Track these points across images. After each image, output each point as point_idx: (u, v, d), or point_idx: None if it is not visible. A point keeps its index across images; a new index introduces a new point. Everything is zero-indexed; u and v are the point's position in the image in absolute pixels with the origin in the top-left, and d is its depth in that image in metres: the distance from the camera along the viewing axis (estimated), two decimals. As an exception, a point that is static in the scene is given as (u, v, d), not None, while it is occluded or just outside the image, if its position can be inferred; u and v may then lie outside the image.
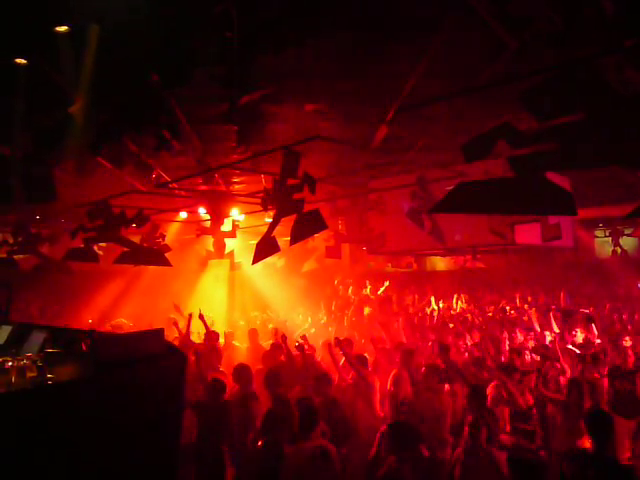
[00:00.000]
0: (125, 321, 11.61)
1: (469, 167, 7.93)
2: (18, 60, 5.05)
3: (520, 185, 4.18)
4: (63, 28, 4.71)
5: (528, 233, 9.59)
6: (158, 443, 3.48)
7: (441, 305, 13.12)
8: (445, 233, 9.82)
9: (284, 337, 8.19)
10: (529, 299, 13.23)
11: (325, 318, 12.11)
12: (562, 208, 4.32)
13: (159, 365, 3.52)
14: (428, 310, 12.41)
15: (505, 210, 5.69)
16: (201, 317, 9.63)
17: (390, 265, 18.19)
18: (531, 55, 5.56)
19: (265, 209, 7.06)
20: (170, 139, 6.39)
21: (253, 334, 9.85)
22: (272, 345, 8.69)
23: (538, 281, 13.99)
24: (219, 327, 11.16)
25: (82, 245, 9.91)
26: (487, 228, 8.98)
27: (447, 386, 6.88)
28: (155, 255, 9.99)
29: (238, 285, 14.56)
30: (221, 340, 9.73)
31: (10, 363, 3.33)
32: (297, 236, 5.96)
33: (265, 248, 6.49)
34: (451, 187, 4.33)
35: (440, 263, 18.48)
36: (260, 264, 6.92)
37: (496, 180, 4.35)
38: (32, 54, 4.95)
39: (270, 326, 11.20)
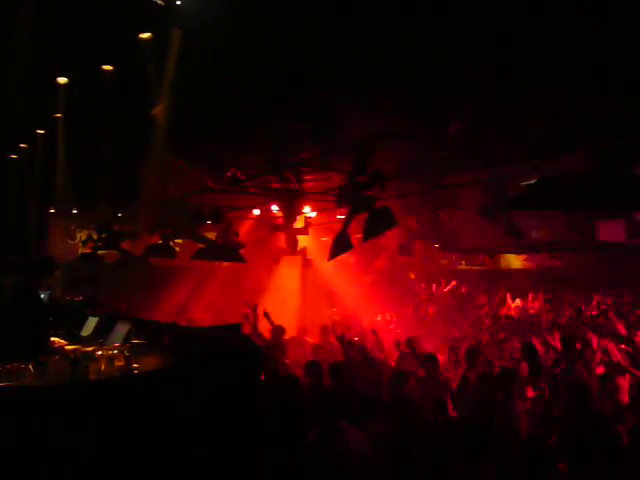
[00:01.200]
0: (200, 316, 11.98)
1: (545, 162, 7.69)
2: (105, 67, 5.33)
3: (603, 180, 4.03)
4: (146, 35, 4.94)
5: (611, 230, 9.17)
6: (233, 434, 3.59)
7: (517, 303, 12.72)
8: (521, 230, 9.55)
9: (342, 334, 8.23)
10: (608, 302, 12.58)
11: (389, 316, 12.04)
12: (649, 203, 4.14)
13: (236, 358, 3.63)
14: (503, 309, 12.07)
15: (587, 207, 5.48)
16: (266, 314, 9.79)
17: (463, 263, 17.84)
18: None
19: (339, 206, 7.12)
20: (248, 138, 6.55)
21: (325, 331, 9.92)
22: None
23: (622, 282, 13.30)
24: (290, 323, 11.31)
25: (160, 241, 10.30)
26: (566, 225, 8.66)
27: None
28: (230, 251, 10.25)
29: (310, 281, 14.67)
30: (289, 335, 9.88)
31: (100, 352, 3.52)
32: (369, 233, 5.98)
33: (339, 245, 6.56)
34: (526, 182, 4.23)
35: (515, 261, 17.91)
36: (332, 261, 6.99)
37: (577, 175, 4.20)
38: (118, 60, 5.22)
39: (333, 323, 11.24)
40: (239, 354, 3.65)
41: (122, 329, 4.50)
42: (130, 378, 3.30)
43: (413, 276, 15.73)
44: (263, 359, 3.80)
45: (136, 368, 3.45)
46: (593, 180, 4.05)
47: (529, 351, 7.15)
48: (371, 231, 5.93)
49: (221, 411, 3.50)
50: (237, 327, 3.96)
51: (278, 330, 9.53)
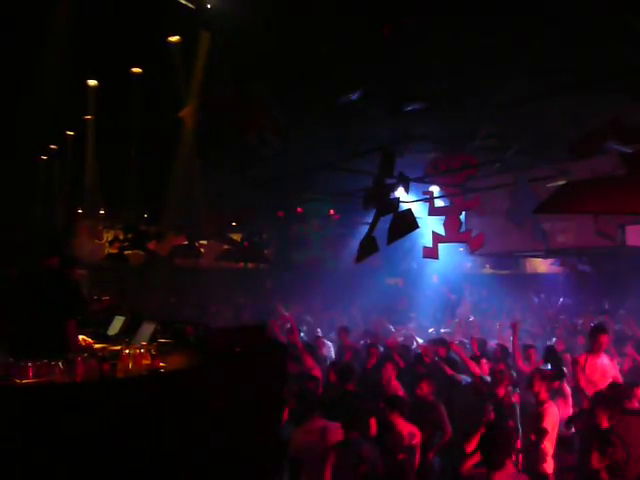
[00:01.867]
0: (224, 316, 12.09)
1: (573, 165, 7.58)
2: (134, 69, 5.41)
3: (632, 183, 3.97)
4: (175, 38, 5.00)
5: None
6: (259, 432, 3.62)
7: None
8: (548, 234, 9.44)
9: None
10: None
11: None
12: (680, 208, 4.06)
13: (262, 358, 3.66)
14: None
15: (616, 210, 5.39)
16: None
17: (488, 267, 17.68)
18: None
19: (366, 208, 7.15)
20: (271, 141, 6.60)
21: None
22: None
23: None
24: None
25: (186, 242, 10.42)
26: (594, 229, 8.52)
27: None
28: (254, 253, 10.34)
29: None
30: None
31: (127, 351, 3.57)
32: (393, 236, 5.98)
33: (367, 248, 6.56)
34: (554, 185, 4.18)
35: (541, 266, 17.67)
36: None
37: (605, 179, 4.15)
38: (147, 62, 5.30)
39: None
40: (264, 354, 3.68)
41: (148, 328, 4.55)
42: (157, 376, 3.34)
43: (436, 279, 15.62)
44: (288, 358, 3.80)
45: (163, 367, 3.49)
46: (622, 183, 3.98)
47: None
48: (395, 234, 5.92)
49: (248, 410, 3.53)
50: (262, 327, 3.98)
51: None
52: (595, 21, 4.72)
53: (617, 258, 12.97)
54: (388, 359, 7.22)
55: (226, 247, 10.79)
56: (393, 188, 6.04)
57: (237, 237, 12.18)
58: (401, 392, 6.57)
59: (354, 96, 6.72)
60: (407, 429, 5.48)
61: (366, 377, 7.58)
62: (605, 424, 4.91)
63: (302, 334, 10.72)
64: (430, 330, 11.58)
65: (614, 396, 5.33)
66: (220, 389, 3.36)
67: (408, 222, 5.85)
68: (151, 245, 12.45)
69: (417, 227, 5.98)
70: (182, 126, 5.67)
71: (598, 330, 6.78)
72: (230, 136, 6.56)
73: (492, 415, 5.76)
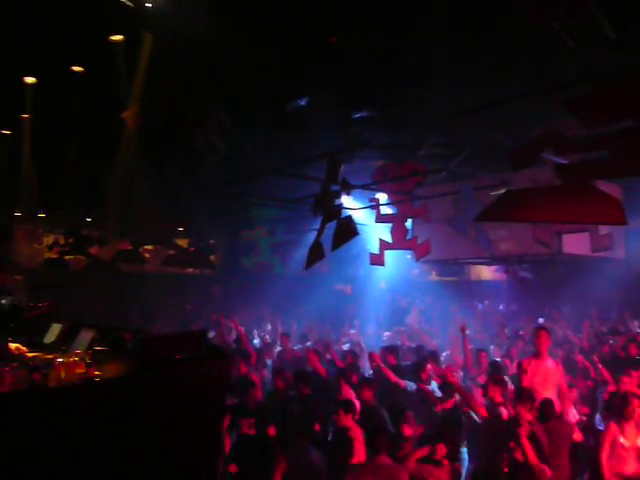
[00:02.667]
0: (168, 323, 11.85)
1: (515, 175, 7.81)
2: (75, 67, 5.25)
3: (568, 193, 4.10)
4: (118, 37, 4.88)
5: (577, 243, 9.35)
6: (199, 440, 3.54)
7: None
8: (492, 241, 9.68)
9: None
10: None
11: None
12: (611, 217, 4.21)
13: (201, 365, 3.59)
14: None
15: (552, 219, 5.57)
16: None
17: (434, 274, 17.98)
18: (581, 62, 5.49)
19: (315, 215, 7.15)
20: (218, 144, 6.52)
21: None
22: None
23: (586, 295, 13.55)
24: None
25: (130, 247, 10.19)
26: (532, 237, 8.80)
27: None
28: (201, 259, 10.19)
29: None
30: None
31: (60, 360, 3.44)
32: (336, 242, 6.00)
33: (314, 253, 6.56)
34: (497, 194, 4.28)
35: (485, 272, 18.11)
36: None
37: (543, 188, 4.28)
38: (89, 61, 5.15)
39: None
40: (204, 361, 3.60)
41: (86, 336, 4.40)
42: (90, 385, 3.23)
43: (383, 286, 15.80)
44: (229, 364, 3.73)
45: (97, 375, 3.38)
46: (557, 193, 4.11)
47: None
48: (338, 240, 5.95)
49: (187, 418, 3.45)
50: (203, 333, 3.90)
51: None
52: (533, 36, 4.87)
53: (555, 265, 13.42)
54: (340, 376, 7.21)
55: (172, 252, 10.59)
56: (338, 194, 6.06)
57: (184, 242, 11.95)
58: (353, 396, 6.60)
59: (302, 102, 6.74)
60: (357, 432, 5.52)
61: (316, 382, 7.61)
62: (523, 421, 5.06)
63: (255, 340, 10.69)
64: (382, 335, 11.71)
65: (541, 407, 5.57)
66: (157, 397, 3.27)
67: (349, 229, 5.88)
68: (93, 250, 12.12)
69: (357, 234, 6.03)
70: (124, 127, 5.54)
71: (539, 332, 7.01)
72: (176, 138, 6.45)
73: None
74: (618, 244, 10.16)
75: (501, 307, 15.09)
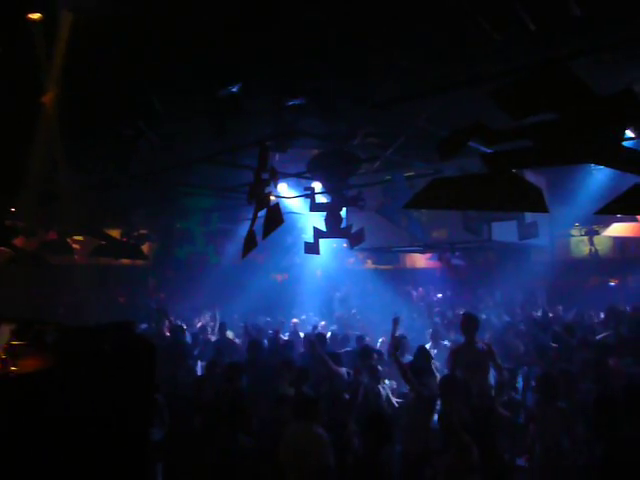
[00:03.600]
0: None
1: (447, 165, 7.99)
2: (-11, 47, 4.95)
3: (492, 182, 4.20)
4: (36, 15, 4.64)
5: (505, 231, 9.67)
6: (124, 434, 3.44)
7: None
8: (423, 230, 9.87)
9: None
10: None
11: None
12: (533, 205, 4.34)
13: (125, 358, 3.48)
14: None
15: (476, 206, 5.73)
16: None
17: (369, 262, 18.21)
18: (508, 54, 5.64)
19: (249, 203, 7.08)
20: (147, 131, 6.33)
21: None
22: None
23: (514, 280, 14.11)
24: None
25: (57, 238, 9.79)
26: (462, 225, 9.04)
27: None
28: (132, 249, 9.91)
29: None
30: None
31: (-27, 355, 3.27)
32: (265, 231, 5.98)
33: (249, 243, 6.48)
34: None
35: (420, 260, 18.51)
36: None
37: (469, 177, 4.37)
38: (4, 40, 4.87)
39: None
40: (129, 354, 3.50)
41: (4, 330, 4.22)
42: (5, 381, 3.08)
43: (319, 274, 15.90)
44: (155, 356, 3.63)
45: (14, 371, 3.22)
46: (483, 182, 4.21)
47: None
48: (267, 229, 5.92)
49: (111, 413, 3.34)
50: (129, 325, 3.79)
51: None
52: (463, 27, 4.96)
53: (486, 252, 13.87)
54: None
55: (102, 243, 10.24)
56: (268, 183, 6.01)
57: (116, 233, 11.59)
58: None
59: (234, 88, 6.63)
60: None
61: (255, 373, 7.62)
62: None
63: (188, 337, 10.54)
64: (318, 323, 11.80)
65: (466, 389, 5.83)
66: (77, 391, 3.15)
67: (276, 217, 5.86)
68: (18, 241, 11.56)
69: (282, 222, 6.02)
70: (43, 112, 5.28)
71: (465, 318, 7.27)
72: (101, 124, 6.21)
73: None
74: (543, 232, 10.57)
75: (430, 293, 15.49)
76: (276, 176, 5.95)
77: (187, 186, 10.97)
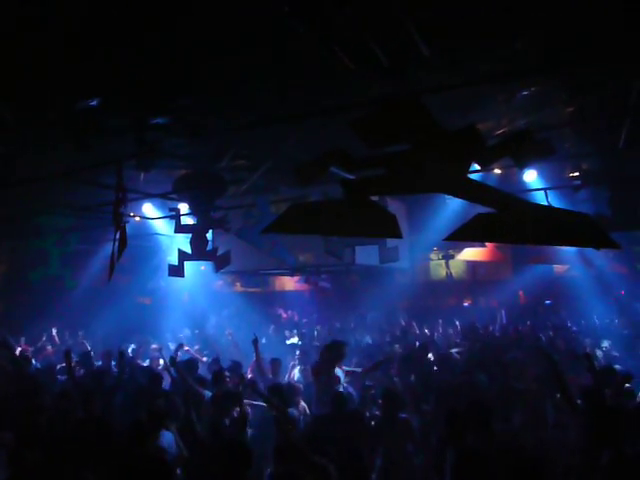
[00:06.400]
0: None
1: (313, 189, 8.15)
2: None
3: (349, 208, 4.32)
4: None
5: (367, 254, 10.03)
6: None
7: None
8: (290, 253, 9.97)
9: None
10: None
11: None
12: (388, 231, 4.52)
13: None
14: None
15: (334, 232, 5.90)
16: None
17: (238, 285, 18.07)
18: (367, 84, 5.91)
19: (113, 223, 6.77)
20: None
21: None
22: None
23: (377, 302, 14.69)
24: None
25: None
26: (323, 249, 9.26)
27: None
28: None
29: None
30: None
31: None
32: (118, 252, 5.76)
33: (113, 265, 6.15)
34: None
35: (289, 283, 18.68)
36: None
37: (326, 202, 4.48)
38: None
39: None
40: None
41: None
42: None
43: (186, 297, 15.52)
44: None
45: None
46: (343, 207, 4.31)
47: None
48: (119, 250, 5.68)
49: None
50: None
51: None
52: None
53: (351, 275, 14.30)
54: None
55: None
56: (123, 203, 5.79)
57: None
58: None
59: (93, 102, 6.32)
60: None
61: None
62: None
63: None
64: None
65: None
66: None
67: (124, 239, 5.66)
68: None
69: (125, 245, 5.85)
70: None
71: (333, 344, 7.50)
72: None
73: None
74: (404, 256, 11.10)
75: (304, 320, 15.65)
76: (125, 196, 5.74)
77: (42, 203, 10.26)
